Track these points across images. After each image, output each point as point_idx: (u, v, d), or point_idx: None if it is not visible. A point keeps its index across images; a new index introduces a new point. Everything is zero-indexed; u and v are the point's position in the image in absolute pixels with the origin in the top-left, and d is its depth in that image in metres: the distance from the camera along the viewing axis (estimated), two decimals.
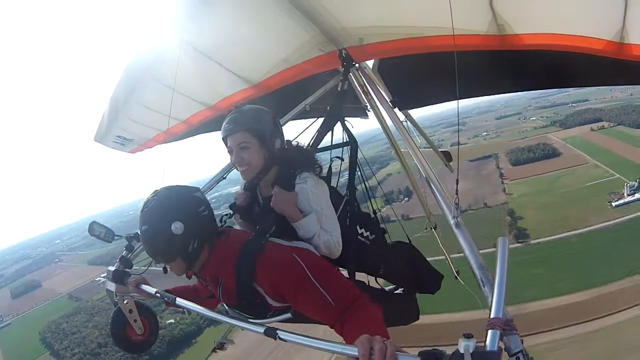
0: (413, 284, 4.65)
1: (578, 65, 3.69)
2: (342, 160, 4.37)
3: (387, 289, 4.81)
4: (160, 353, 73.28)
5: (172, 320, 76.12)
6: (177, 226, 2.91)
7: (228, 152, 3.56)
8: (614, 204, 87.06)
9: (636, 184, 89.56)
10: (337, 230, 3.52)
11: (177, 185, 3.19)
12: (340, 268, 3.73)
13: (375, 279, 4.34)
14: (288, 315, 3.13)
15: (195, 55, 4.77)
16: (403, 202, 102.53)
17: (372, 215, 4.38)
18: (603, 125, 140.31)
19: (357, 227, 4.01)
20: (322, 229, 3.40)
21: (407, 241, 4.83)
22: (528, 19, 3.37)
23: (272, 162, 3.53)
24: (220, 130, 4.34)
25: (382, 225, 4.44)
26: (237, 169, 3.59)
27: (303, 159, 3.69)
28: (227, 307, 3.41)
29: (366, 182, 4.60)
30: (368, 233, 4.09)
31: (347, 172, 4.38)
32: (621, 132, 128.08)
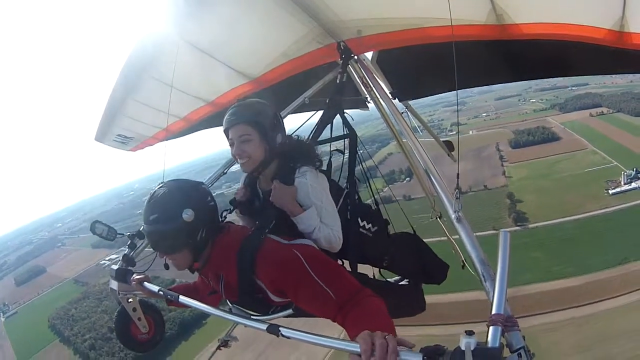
0: (418, 275, 4.64)
1: (578, 54, 3.74)
2: (343, 153, 4.42)
3: (392, 280, 4.83)
4: (172, 334, 74.17)
5: None
6: (188, 213, 2.90)
7: (229, 144, 3.56)
8: (610, 191, 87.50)
9: (633, 173, 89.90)
10: (338, 224, 3.50)
11: (182, 178, 3.23)
12: (343, 261, 3.86)
13: (380, 271, 4.41)
14: (289, 310, 3.12)
15: (194, 51, 4.82)
16: (404, 182, 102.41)
17: (374, 207, 4.43)
18: (602, 111, 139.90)
19: (359, 220, 4.02)
20: (323, 223, 3.39)
21: (412, 231, 4.77)
22: (527, 9, 3.39)
23: (273, 156, 3.52)
24: (220, 126, 4.94)
25: (385, 217, 4.41)
26: (237, 162, 3.59)
27: (302, 152, 3.69)
28: (230, 304, 3.38)
29: (367, 175, 4.62)
30: (370, 225, 4.09)
31: (346, 165, 4.39)
32: (620, 119, 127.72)
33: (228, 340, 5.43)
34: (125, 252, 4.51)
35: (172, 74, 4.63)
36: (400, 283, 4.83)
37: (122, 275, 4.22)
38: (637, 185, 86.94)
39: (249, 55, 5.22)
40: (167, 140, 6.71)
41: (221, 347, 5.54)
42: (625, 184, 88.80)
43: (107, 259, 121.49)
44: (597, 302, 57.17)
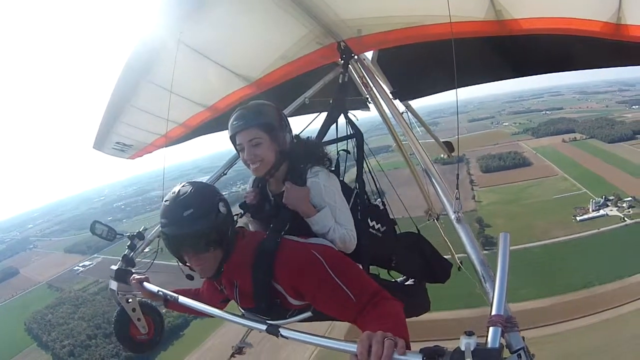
0: (424, 274, 4.58)
1: (576, 48, 3.74)
2: (349, 153, 4.29)
3: (397, 280, 4.74)
4: None
5: None
6: (222, 205, 2.86)
7: (238, 149, 3.50)
8: (578, 218, 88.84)
9: (602, 201, 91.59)
10: (351, 223, 3.44)
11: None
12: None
13: (388, 272, 4.34)
14: (308, 314, 3.09)
15: (192, 55, 4.69)
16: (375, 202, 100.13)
17: (381, 207, 4.31)
18: (575, 137, 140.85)
19: (369, 220, 3.92)
20: (337, 223, 3.32)
21: (415, 231, 4.77)
22: (525, 4, 3.35)
23: (283, 157, 3.45)
24: (219, 131, 4.99)
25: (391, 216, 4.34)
26: (248, 167, 3.47)
27: (312, 152, 3.64)
28: (243, 311, 3.30)
29: (373, 174, 4.48)
30: (379, 225, 4.01)
31: (350, 165, 4.30)
32: (593, 145, 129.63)
33: (243, 347, 5.31)
34: (125, 252, 4.53)
35: (171, 78, 4.55)
36: (405, 283, 4.81)
37: (122, 275, 4.27)
38: (604, 213, 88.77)
39: (249, 58, 5.16)
40: (166, 147, 6.43)
41: (235, 354, 5.42)
42: (593, 210, 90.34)
43: (80, 265, 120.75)
44: (561, 322, 58.88)
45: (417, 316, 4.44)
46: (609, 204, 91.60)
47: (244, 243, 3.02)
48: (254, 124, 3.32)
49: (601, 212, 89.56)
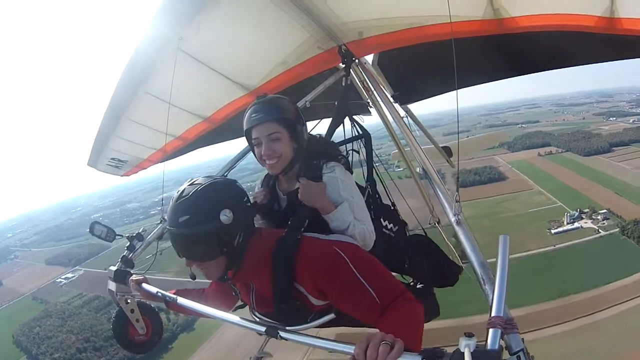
0: (434, 277, 4.35)
1: (573, 44, 3.82)
2: (359, 152, 4.24)
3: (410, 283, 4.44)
4: (141, 357, 70.28)
5: None
6: (226, 215, 2.57)
7: (253, 144, 3.29)
8: (553, 231, 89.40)
9: (576, 214, 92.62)
10: (369, 219, 3.33)
11: (213, 175, 2.89)
12: None
13: (402, 275, 4.17)
14: (331, 315, 2.95)
15: (191, 63, 4.59)
16: None
17: (392, 207, 4.19)
18: (551, 151, 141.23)
19: (381, 220, 3.84)
20: (356, 219, 3.17)
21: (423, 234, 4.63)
22: (522, 1, 3.36)
23: (300, 154, 3.30)
24: (215, 143, 5.04)
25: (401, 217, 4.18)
26: (263, 163, 3.30)
27: (327, 149, 3.56)
28: (257, 316, 3.18)
29: (380, 176, 4.35)
30: (392, 225, 3.93)
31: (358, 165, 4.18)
32: (569, 159, 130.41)
33: (261, 357, 4.88)
34: (124, 253, 4.55)
35: (169, 88, 4.43)
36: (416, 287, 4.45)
37: (121, 276, 4.24)
38: (579, 225, 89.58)
39: (249, 65, 5.04)
40: (163, 162, 6.30)
41: None
42: (568, 223, 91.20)
43: (62, 277, 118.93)
44: (537, 330, 59.39)
45: (427, 322, 3.70)
46: (584, 217, 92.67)
47: (260, 243, 2.84)
48: (272, 118, 3.17)
49: (576, 224, 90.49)
